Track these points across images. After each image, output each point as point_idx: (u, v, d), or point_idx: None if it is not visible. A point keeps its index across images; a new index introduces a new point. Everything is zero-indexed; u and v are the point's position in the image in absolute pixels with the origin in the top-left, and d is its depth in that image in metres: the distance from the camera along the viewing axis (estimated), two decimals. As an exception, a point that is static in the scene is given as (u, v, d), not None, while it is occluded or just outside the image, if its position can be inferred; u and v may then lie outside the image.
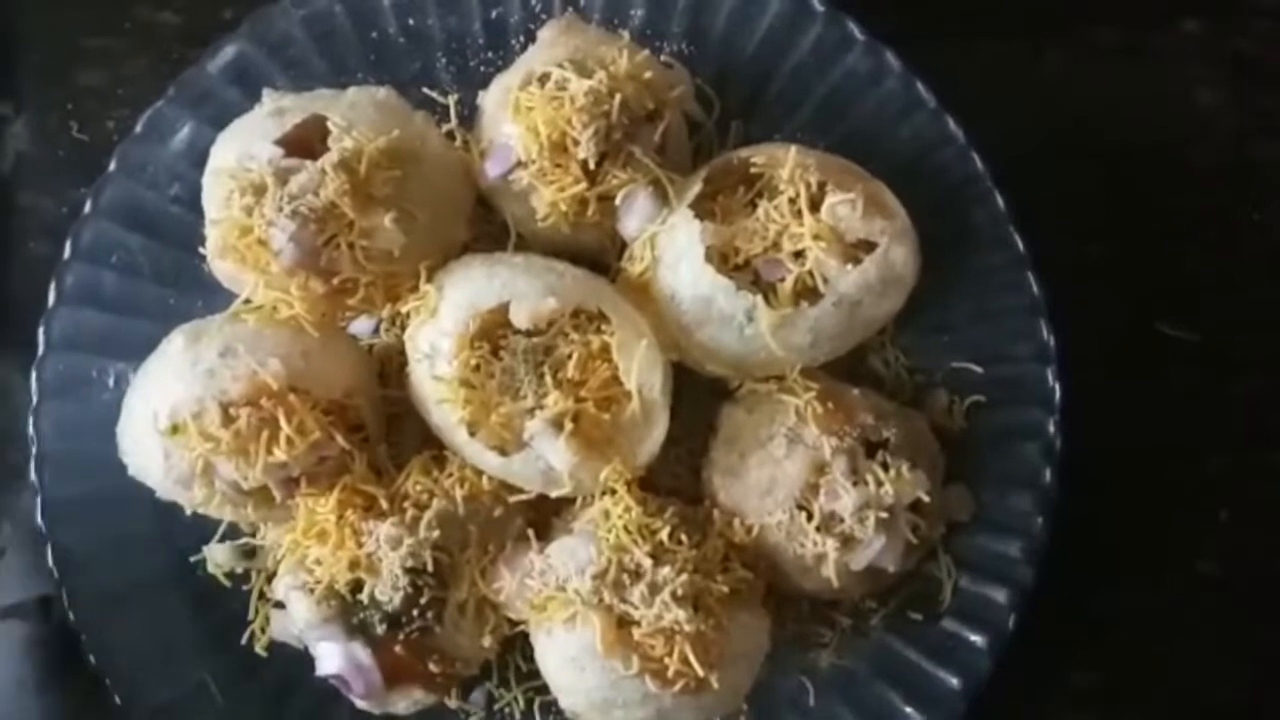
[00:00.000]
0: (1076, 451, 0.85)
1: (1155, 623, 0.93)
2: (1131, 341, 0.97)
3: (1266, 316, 0.99)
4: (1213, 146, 1.02)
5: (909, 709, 0.82)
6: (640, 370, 0.75)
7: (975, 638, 0.82)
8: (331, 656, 0.75)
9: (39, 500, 0.85)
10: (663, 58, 0.87)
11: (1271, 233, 1.00)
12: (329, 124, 0.77)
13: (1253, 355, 0.98)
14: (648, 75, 0.79)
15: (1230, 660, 0.93)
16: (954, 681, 0.82)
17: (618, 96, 0.76)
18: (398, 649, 0.75)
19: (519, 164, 0.79)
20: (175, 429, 0.74)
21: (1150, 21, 1.04)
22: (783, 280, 0.77)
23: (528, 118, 0.77)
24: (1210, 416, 0.97)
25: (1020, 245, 0.85)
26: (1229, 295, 0.99)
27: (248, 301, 0.80)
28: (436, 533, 0.75)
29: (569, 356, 0.75)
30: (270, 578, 0.82)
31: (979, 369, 0.85)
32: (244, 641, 0.83)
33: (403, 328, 0.81)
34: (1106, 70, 1.02)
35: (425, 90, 0.89)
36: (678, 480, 0.85)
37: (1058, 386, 0.84)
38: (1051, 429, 0.84)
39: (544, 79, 0.78)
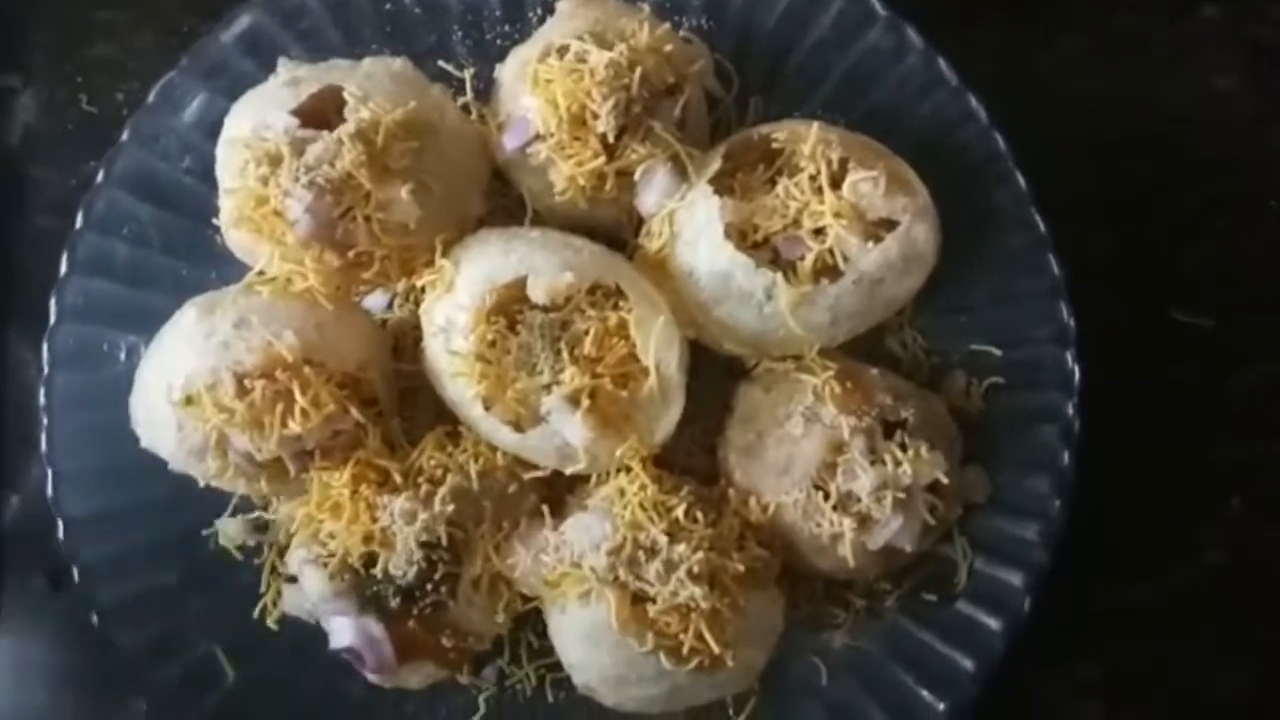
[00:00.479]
0: (1086, 439, 0.84)
1: (1160, 614, 0.93)
2: (1144, 327, 0.97)
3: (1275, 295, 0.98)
4: (1230, 133, 1.01)
5: (922, 690, 0.82)
6: (658, 347, 0.74)
7: (989, 620, 0.82)
8: (344, 630, 0.75)
9: (49, 472, 0.84)
10: (682, 33, 0.87)
11: None
12: (345, 94, 0.76)
13: (1267, 342, 0.97)
14: (668, 48, 0.78)
15: (1235, 655, 0.93)
16: (967, 663, 0.82)
17: (638, 69, 0.75)
18: (411, 624, 0.75)
19: (537, 137, 0.78)
20: (189, 400, 0.73)
21: (1168, 8, 1.03)
22: (802, 258, 0.77)
23: (546, 90, 0.76)
24: (1221, 404, 0.96)
25: (1041, 226, 0.84)
26: (1244, 282, 0.98)
27: (262, 273, 0.79)
28: (451, 508, 0.75)
29: (586, 332, 0.75)
30: (282, 551, 0.82)
31: (998, 351, 0.85)
32: (255, 615, 0.83)
33: (417, 302, 0.81)
34: (1123, 56, 1.02)
35: (441, 63, 0.87)
36: (693, 459, 0.84)
37: (1077, 369, 0.83)
38: (1070, 411, 0.83)
39: (563, 51, 0.77)
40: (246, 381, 0.72)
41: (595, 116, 0.75)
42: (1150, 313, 0.97)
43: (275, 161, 0.74)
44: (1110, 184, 0.98)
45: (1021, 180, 0.85)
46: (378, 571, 0.74)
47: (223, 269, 0.85)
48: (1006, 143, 0.86)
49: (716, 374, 0.84)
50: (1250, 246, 0.99)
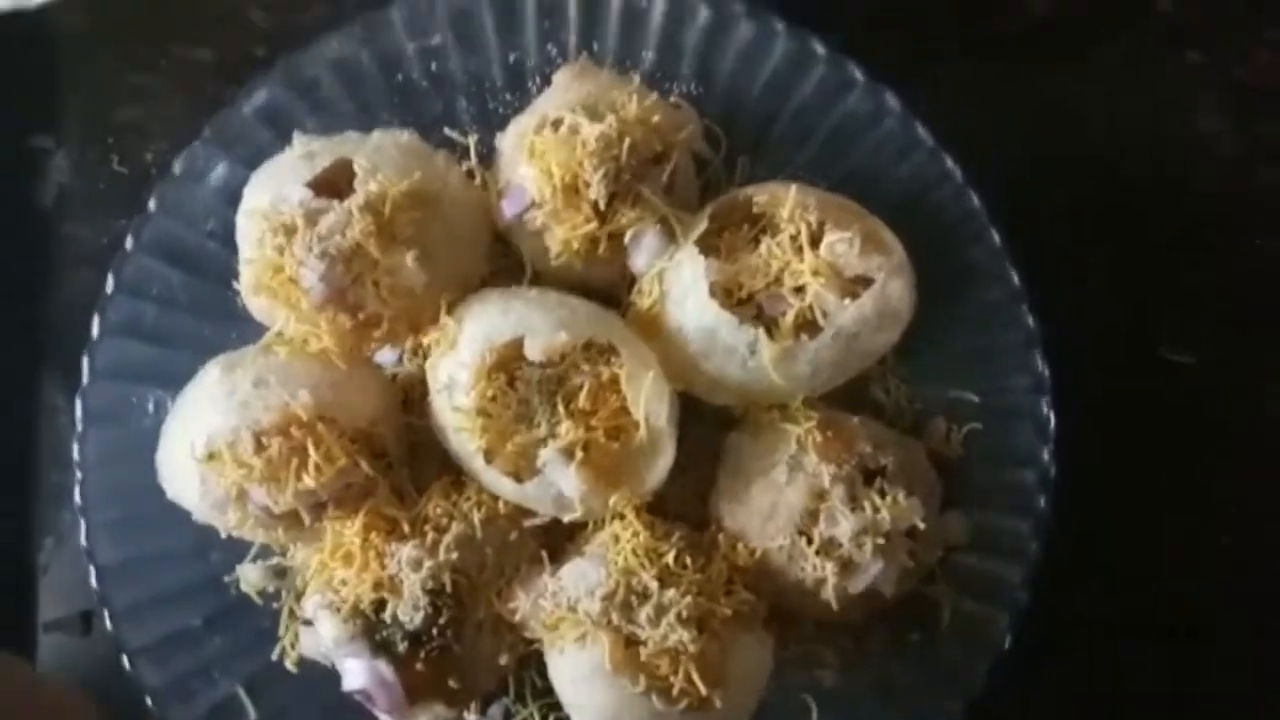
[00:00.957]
0: (1076, 475, 0.87)
1: (1148, 651, 0.95)
2: (1131, 365, 1.00)
3: (1267, 342, 1.01)
4: (1214, 173, 1.05)
5: (908, 727, 0.85)
6: (648, 401, 0.79)
7: (972, 659, 0.85)
8: (357, 673, 0.79)
9: (82, 522, 0.89)
10: (672, 98, 0.91)
11: (1273, 259, 1.03)
12: (355, 167, 0.81)
13: (1253, 380, 1.00)
14: (656, 119, 0.82)
15: (1223, 701, 0.95)
16: (952, 701, 0.85)
17: (627, 140, 0.79)
18: (419, 666, 0.79)
19: (533, 204, 0.83)
20: (211, 456, 0.79)
21: (1154, 49, 1.06)
22: (784, 314, 0.81)
23: (542, 161, 0.81)
24: (1210, 442, 0.99)
25: (1015, 280, 0.88)
26: (1230, 320, 1.01)
27: (280, 334, 0.85)
28: (455, 555, 0.79)
29: (580, 387, 0.79)
30: (300, 596, 0.86)
31: (976, 398, 0.88)
32: (275, 657, 0.87)
33: (425, 357, 0.86)
34: (1110, 98, 1.05)
35: (447, 131, 0.93)
36: (685, 505, 0.88)
37: (1052, 416, 0.87)
38: (1046, 457, 0.87)
39: (557, 124, 0.82)
40: (264, 439, 0.77)
41: (587, 185, 0.80)
42: (1137, 351, 1.01)
43: (290, 232, 0.79)
44: (1096, 224, 1.02)
45: (996, 236, 0.88)
46: (387, 617, 0.78)
47: (244, 329, 0.90)
48: (987, 188, 0.90)
49: (707, 424, 0.88)
50: (1236, 285, 1.02)
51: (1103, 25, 1.07)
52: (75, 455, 0.90)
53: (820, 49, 0.91)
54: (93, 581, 0.88)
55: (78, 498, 0.90)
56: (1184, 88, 1.06)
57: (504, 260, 0.90)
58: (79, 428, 0.90)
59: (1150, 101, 1.05)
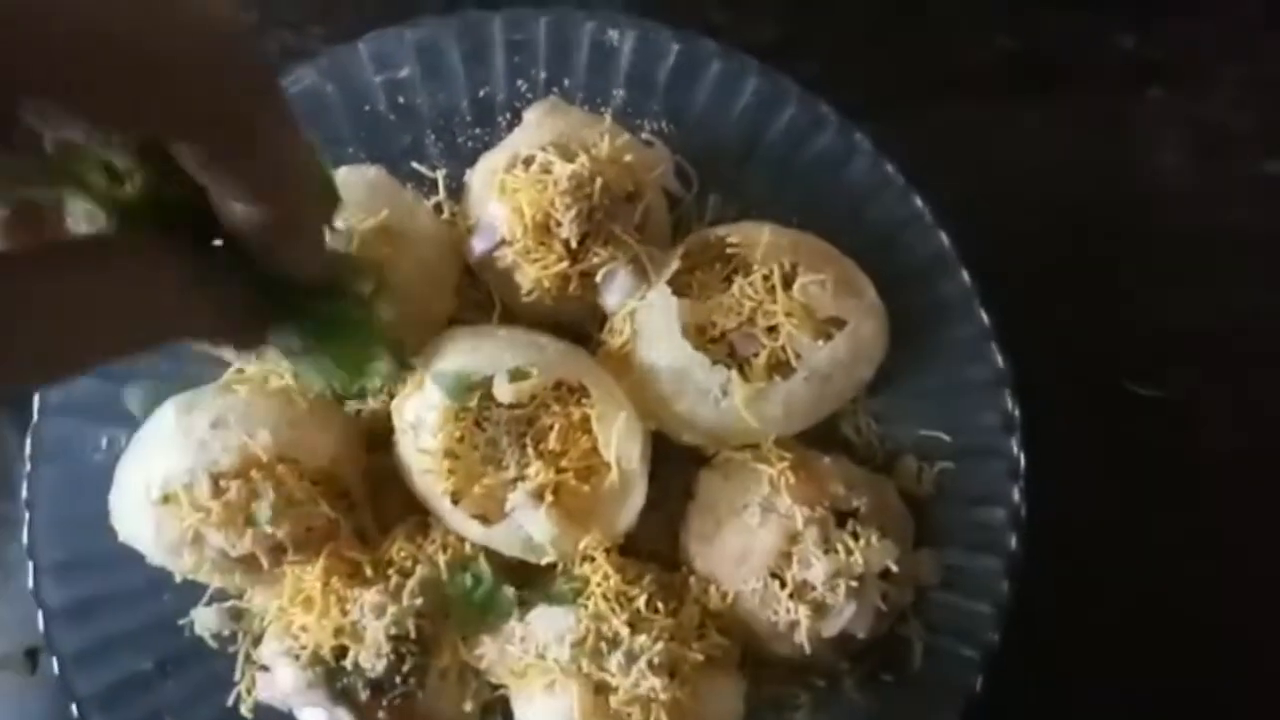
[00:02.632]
0: (1041, 515, 0.87)
1: (1115, 683, 0.95)
2: (1098, 400, 1.00)
3: (1233, 375, 1.02)
4: (1179, 209, 1.06)
5: (881, 769, 0.85)
6: (619, 442, 0.78)
7: (944, 698, 0.85)
8: (316, 721, 0.77)
9: (30, 563, 0.86)
10: (644, 135, 0.91)
11: (1234, 295, 1.04)
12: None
13: (1221, 413, 1.01)
14: (628, 158, 0.82)
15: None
16: (923, 742, 0.85)
17: (599, 180, 0.79)
18: (381, 714, 0.76)
19: (503, 242, 0.81)
20: (167, 499, 0.76)
21: (1117, 85, 1.08)
22: (757, 355, 0.80)
23: (513, 199, 0.80)
24: (1176, 476, 1.00)
25: (985, 319, 0.88)
26: (1196, 355, 1.02)
27: (240, 372, 0.83)
28: (420, 600, 0.77)
29: (550, 428, 0.78)
30: (257, 641, 0.84)
31: (947, 437, 0.88)
32: (230, 703, 0.85)
33: (391, 395, 0.84)
34: (1074, 134, 1.07)
35: (415, 165, 0.91)
36: (657, 544, 0.86)
37: (1022, 455, 0.87)
38: (1016, 496, 0.87)
39: (529, 161, 0.81)
40: (222, 481, 0.75)
41: (559, 224, 0.79)
42: (1104, 386, 1.01)
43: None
44: (1062, 260, 1.03)
45: (965, 275, 0.89)
46: (348, 664, 0.76)
47: (202, 366, 0.87)
48: (954, 231, 0.90)
49: (680, 462, 0.87)
50: (1201, 320, 1.03)
51: (1067, 61, 1.08)
52: (24, 493, 0.87)
53: (792, 87, 0.91)
54: (40, 625, 0.85)
55: (25, 538, 0.86)
56: (1147, 124, 1.08)
57: (473, 294, 0.89)
58: (28, 465, 0.87)
59: (1114, 137, 1.07)
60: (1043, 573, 0.87)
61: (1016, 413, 0.87)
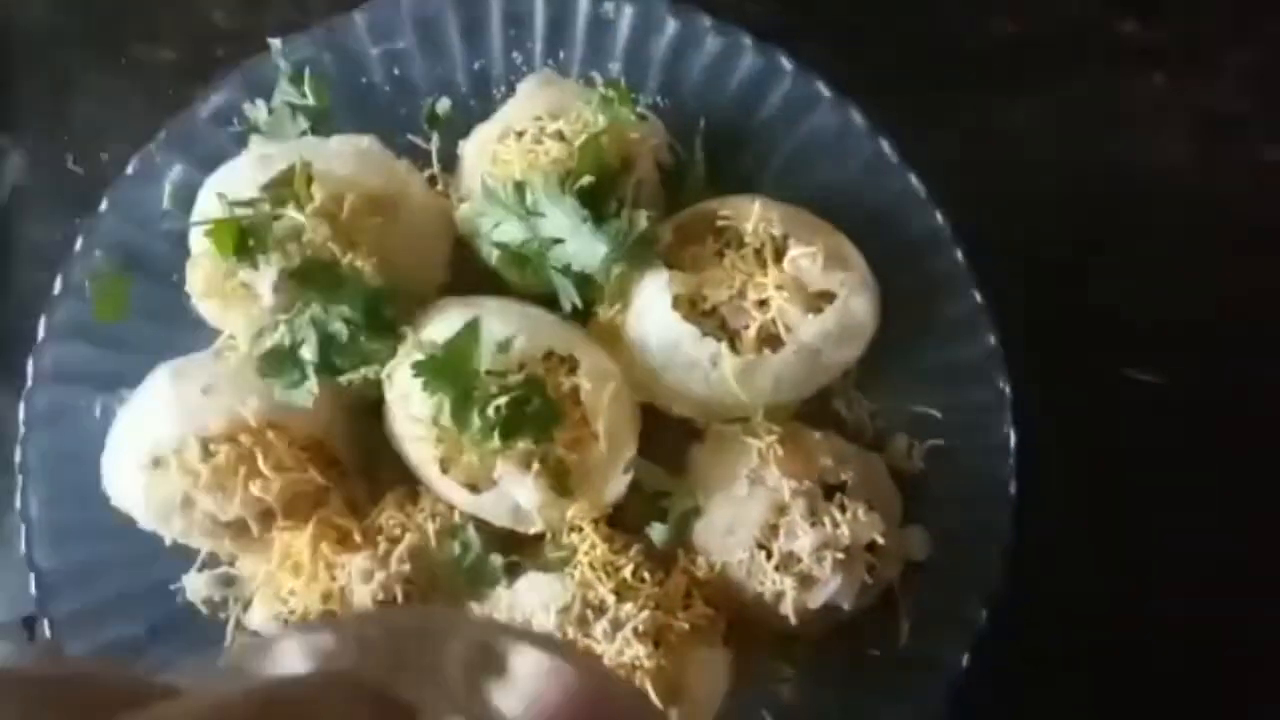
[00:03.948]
0: (1034, 498, 0.87)
1: (1101, 671, 0.95)
2: (1096, 385, 1.00)
3: (1231, 362, 1.01)
4: (1177, 198, 1.05)
5: (866, 744, 0.85)
6: (608, 413, 0.78)
7: (930, 675, 0.85)
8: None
9: (23, 528, 0.87)
10: (639, 110, 0.91)
11: (1234, 282, 1.04)
12: (312, 171, 0.80)
13: (1220, 399, 1.01)
14: (622, 130, 0.82)
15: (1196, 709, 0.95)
16: (909, 717, 0.85)
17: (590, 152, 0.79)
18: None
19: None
20: (157, 463, 0.77)
21: (1117, 74, 1.08)
22: (747, 328, 0.81)
23: (505, 169, 0.80)
24: (1174, 465, 0.99)
25: (978, 297, 0.88)
26: (1195, 342, 1.02)
27: (232, 339, 0.83)
28: (407, 566, 0.77)
29: (540, 398, 0.78)
30: (247, 606, 0.84)
31: (938, 414, 0.88)
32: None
33: (382, 365, 0.84)
34: (1074, 121, 1.06)
35: (410, 137, 0.92)
36: (644, 517, 0.86)
37: (1013, 433, 0.87)
38: (1007, 474, 0.87)
39: (521, 133, 0.81)
40: (212, 446, 0.76)
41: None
42: (1100, 370, 1.01)
43: (244, 236, 0.77)
44: (1060, 244, 1.02)
45: (959, 254, 0.89)
46: (335, 629, 0.76)
47: (197, 332, 0.88)
48: (950, 208, 0.90)
49: (670, 435, 0.87)
50: (1201, 306, 1.02)
51: (1068, 45, 1.08)
52: (17, 459, 0.87)
53: (787, 63, 0.91)
54: (32, 588, 0.86)
55: (18, 502, 0.87)
56: (1148, 110, 1.07)
57: (464, 267, 0.89)
58: (22, 430, 0.87)
59: (1114, 122, 1.07)
60: (1034, 554, 0.86)
61: (1008, 391, 0.87)
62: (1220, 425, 1.00)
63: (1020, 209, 1.01)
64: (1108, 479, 0.97)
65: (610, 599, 0.75)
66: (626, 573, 0.77)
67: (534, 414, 0.74)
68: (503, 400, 0.73)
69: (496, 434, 0.73)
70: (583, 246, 0.78)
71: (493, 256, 0.82)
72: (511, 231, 0.79)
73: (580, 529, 0.79)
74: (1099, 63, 1.08)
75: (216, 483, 0.75)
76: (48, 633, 0.86)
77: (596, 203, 0.79)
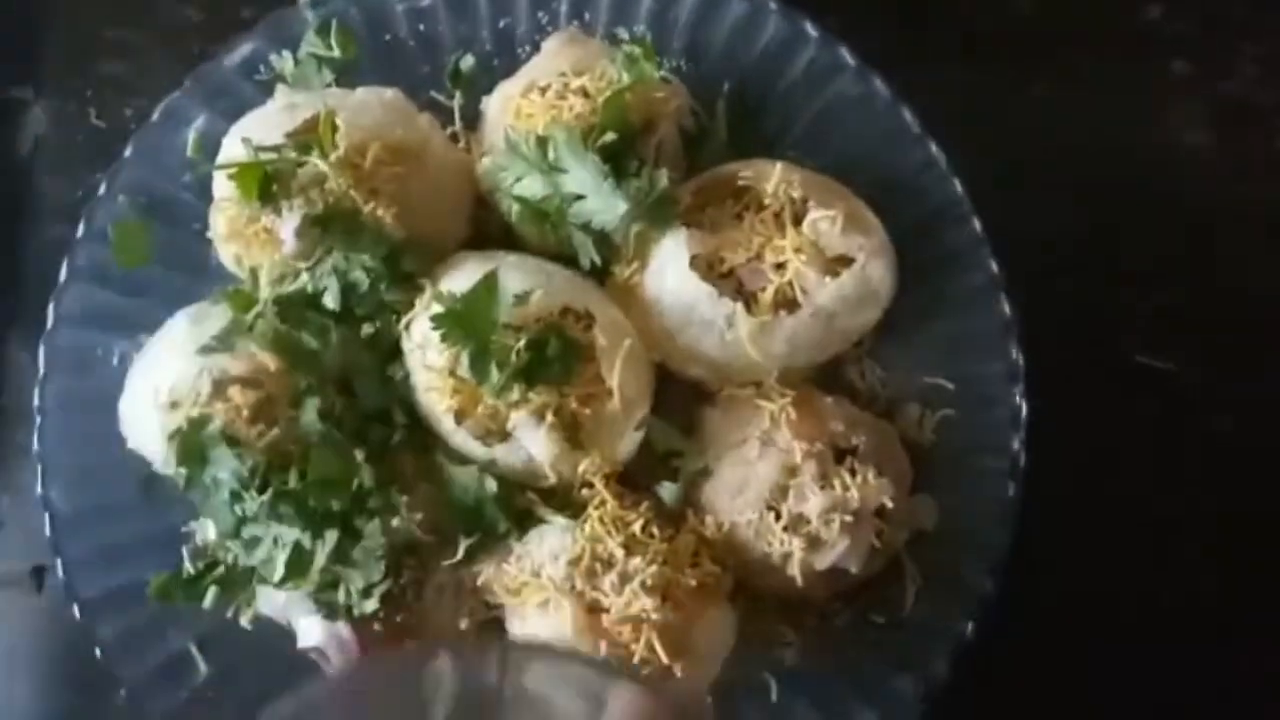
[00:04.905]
0: (1038, 479, 0.87)
1: (1103, 651, 0.95)
2: (1106, 368, 1.00)
3: (1245, 351, 1.02)
4: (1196, 185, 1.05)
5: (867, 710, 0.85)
6: (622, 369, 0.78)
7: (935, 643, 0.85)
8: (313, 631, 0.78)
9: (38, 469, 0.87)
10: (661, 73, 0.91)
11: (1249, 271, 1.04)
12: (337, 120, 0.80)
13: (1231, 386, 1.01)
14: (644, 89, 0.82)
15: (1184, 691, 0.95)
16: (911, 685, 0.85)
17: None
18: (376, 626, 0.78)
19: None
20: (174, 405, 0.77)
21: (1139, 60, 1.08)
22: (764, 290, 0.81)
23: (527, 124, 0.80)
24: (1180, 452, 0.99)
25: (994, 268, 0.88)
26: (1209, 330, 1.02)
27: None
28: (419, 515, 0.78)
29: (555, 353, 0.79)
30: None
31: (950, 385, 0.88)
32: (230, 614, 0.86)
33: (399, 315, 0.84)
34: (1093, 106, 1.06)
35: (433, 94, 0.92)
36: (655, 476, 0.86)
37: (1024, 405, 0.87)
38: (1017, 446, 0.87)
39: (545, 89, 0.81)
40: (230, 389, 0.76)
41: (568, 151, 0.79)
42: (1112, 354, 1.01)
43: (268, 180, 0.78)
44: (1075, 228, 1.02)
45: (977, 224, 0.89)
46: (347, 575, 0.77)
47: (217, 280, 0.88)
48: (968, 186, 0.90)
49: (682, 396, 0.88)
50: (1216, 294, 1.03)
51: (1090, 28, 1.08)
52: (36, 401, 0.88)
53: (812, 30, 0.91)
54: (47, 529, 0.86)
55: (36, 443, 0.88)
56: (1167, 96, 1.07)
57: (484, 224, 0.89)
58: (41, 372, 0.88)
59: (1134, 108, 1.07)
60: (1042, 530, 0.87)
61: (1021, 362, 0.87)
62: (1231, 411, 1.00)
63: (1033, 188, 1.01)
64: (1115, 463, 0.97)
65: (619, 552, 0.76)
66: (636, 528, 0.77)
67: (554, 356, 0.75)
68: (521, 344, 0.73)
69: (517, 380, 0.73)
70: (603, 203, 0.79)
71: (513, 211, 0.82)
72: (532, 186, 0.80)
73: (591, 484, 0.80)
74: (1120, 47, 1.08)
75: (234, 426, 0.75)
76: (60, 575, 0.87)
77: (618, 160, 0.79)
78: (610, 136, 0.78)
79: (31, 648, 0.96)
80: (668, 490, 0.81)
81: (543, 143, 0.78)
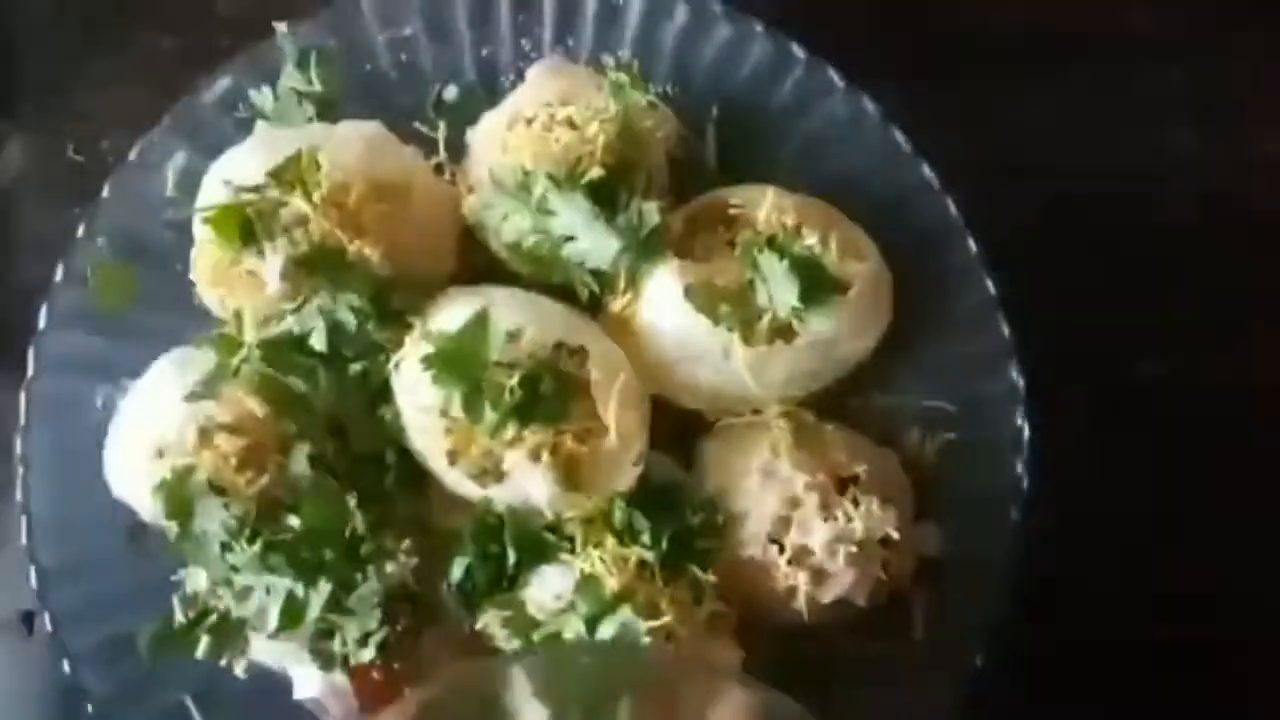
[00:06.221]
0: (1042, 497, 0.86)
1: (1105, 674, 0.95)
2: (1106, 383, 0.99)
3: (1242, 357, 1.01)
4: (1193, 191, 1.05)
5: (879, 740, 0.84)
6: (618, 404, 0.77)
7: (942, 672, 0.84)
8: (310, 681, 0.76)
9: (23, 520, 0.85)
10: (648, 98, 0.90)
11: (1251, 275, 1.03)
12: (320, 158, 0.79)
13: (1231, 394, 1.00)
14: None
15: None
16: (921, 714, 0.84)
17: (601, 139, 0.78)
18: (374, 675, 0.76)
19: (505, 201, 0.80)
20: (161, 454, 0.76)
21: (1134, 65, 1.07)
22: (759, 318, 0.80)
23: (514, 158, 0.79)
24: (1186, 454, 0.98)
25: (991, 289, 0.87)
26: (1207, 337, 1.01)
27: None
28: (415, 561, 0.77)
29: (549, 389, 0.77)
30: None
31: (951, 408, 0.87)
32: (223, 663, 0.84)
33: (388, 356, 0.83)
34: (1087, 111, 1.05)
35: (416, 125, 0.90)
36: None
37: (1026, 426, 0.86)
38: (1020, 468, 0.86)
39: (530, 120, 0.80)
40: (217, 436, 0.75)
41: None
42: (1111, 364, 1.00)
43: (250, 222, 0.76)
44: (1071, 238, 1.01)
45: (973, 245, 0.88)
46: (342, 624, 0.75)
47: (200, 322, 0.86)
48: (963, 205, 0.89)
49: (680, 428, 0.86)
50: (1213, 301, 1.02)
51: (1081, 38, 1.07)
52: (18, 450, 0.86)
53: (799, 52, 0.90)
54: (32, 582, 0.85)
55: (19, 495, 0.86)
56: (1162, 103, 1.06)
57: (472, 257, 0.87)
58: (22, 421, 0.86)
59: (1128, 116, 1.06)
60: (1048, 550, 0.85)
61: (1021, 384, 0.86)
62: (1228, 420, 0.99)
63: (1028, 202, 1.00)
64: (1115, 472, 0.96)
65: (619, 594, 0.74)
66: (635, 566, 0.76)
67: (548, 394, 0.73)
68: (514, 381, 0.72)
69: (512, 419, 0.72)
70: (595, 243, 0.77)
71: (503, 250, 0.81)
72: (521, 224, 0.78)
73: (590, 521, 0.78)
74: (1112, 54, 1.07)
75: (222, 474, 0.74)
76: (48, 627, 0.85)
77: (609, 197, 0.78)
78: (598, 173, 0.76)
79: (23, 691, 0.94)
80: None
81: (529, 182, 0.77)
